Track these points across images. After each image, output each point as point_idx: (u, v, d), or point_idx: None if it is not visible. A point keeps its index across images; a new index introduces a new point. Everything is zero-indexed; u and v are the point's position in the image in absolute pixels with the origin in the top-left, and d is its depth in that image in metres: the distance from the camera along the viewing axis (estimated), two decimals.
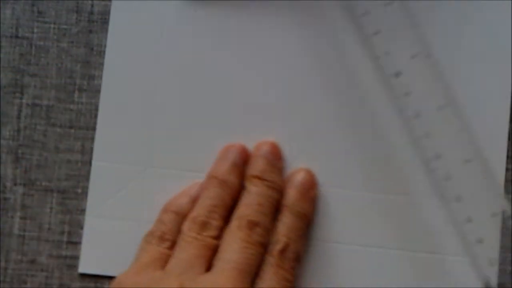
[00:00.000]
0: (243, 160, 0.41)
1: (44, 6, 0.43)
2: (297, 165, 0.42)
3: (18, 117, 0.43)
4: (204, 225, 0.39)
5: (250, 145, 0.42)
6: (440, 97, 0.41)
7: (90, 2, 0.43)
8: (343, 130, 0.42)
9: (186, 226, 0.40)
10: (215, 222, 0.40)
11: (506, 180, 0.42)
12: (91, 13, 0.43)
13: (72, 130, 0.43)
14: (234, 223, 0.39)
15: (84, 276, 0.42)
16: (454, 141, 0.41)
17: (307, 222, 0.41)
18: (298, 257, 0.40)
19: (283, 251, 0.39)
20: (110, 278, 0.42)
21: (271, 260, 0.39)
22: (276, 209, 0.40)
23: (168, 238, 0.40)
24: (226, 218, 0.40)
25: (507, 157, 0.42)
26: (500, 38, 0.42)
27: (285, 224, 0.40)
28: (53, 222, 0.43)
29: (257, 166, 0.41)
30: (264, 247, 0.39)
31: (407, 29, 0.41)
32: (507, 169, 0.42)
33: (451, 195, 0.40)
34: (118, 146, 0.43)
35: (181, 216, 0.41)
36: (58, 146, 0.43)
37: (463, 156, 0.40)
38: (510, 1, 0.42)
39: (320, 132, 0.42)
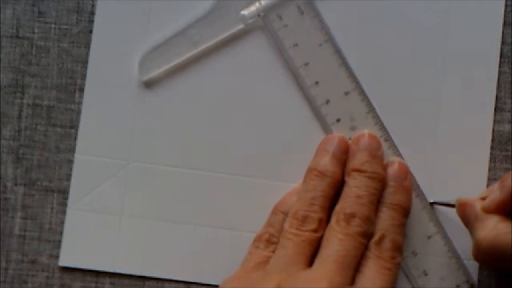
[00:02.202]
0: (343, 150, 0.41)
1: (45, 6, 0.43)
2: None
3: (19, 117, 0.43)
4: (304, 219, 0.40)
5: (231, 140, 0.43)
6: None
7: (90, 2, 0.43)
8: None
9: (287, 223, 0.40)
10: (315, 215, 0.40)
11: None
12: (92, 13, 0.43)
13: (73, 130, 0.43)
14: (333, 219, 0.39)
15: (85, 275, 0.42)
16: None
17: (404, 213, 0.41)
18: (397, 247, 0.40)
19: (378, 242, 0.39)
20: (110, 276, 0.42)
21: (369, 254, 0.39)
22: (376, 198, 0.40)
23: (275, 241, 0.41)
24: (328, 209, 0.40)
25: (507, 157, 0.43)
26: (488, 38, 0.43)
27: (381, 218, 0.40)
28: (54, 222, 0.43)
29: (357, 159, 0.41)
30: (365, 237, 0.39)
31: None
32: (506, 169, 0.43)
33: None
34: (101, 140, 0.43)
35: None
36: (58, 146, 0.43)
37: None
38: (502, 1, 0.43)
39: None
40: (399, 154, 0.42)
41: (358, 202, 0.39)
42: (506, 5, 0.43)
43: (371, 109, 0.42)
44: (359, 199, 0.40)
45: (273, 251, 0.40)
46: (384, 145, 0.42)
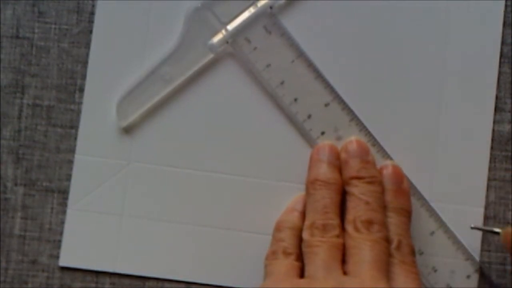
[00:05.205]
0: (335, 156, 0.41)
1: (45, 6, 0.43)
2: None
3: (19, 118, 0.43)
4: (324, 228, 0.39)
5: (231, 142, 0.43)
6: None
7: (90, 2, 0.43)
8: None
9: (306, 234, 0.40)
10: (333, 221, 0.40)
11: (505, 181, 0.43)
12: (92, 13, 0.43)
13: (73, 131, 0.43)
14: (349, 228, 0.39)
15: (85, 275, 0.42)
16: None
17: (409, 216, 0.41)
18: (413, 251, 0.40)
19: (398, 247, 0.39)
20: (110, 276, 0.42)
21: (393, 260, 0.39)
22: (383, 201, 0.40)
23: (291, 252, 0.40)
24: (340, 215, 0.40)
25: (507, 157, 0.43)
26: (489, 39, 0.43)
27: (391, 223, 0.40)
28: (54, 222, 0.43)
29: (351, 167, 0.41)
30: (388, 241, 0.39)
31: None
32: (505, 169, 0.43)
33: None
34: (101, 140, 0.43)
35: (296, 230, 0.41)
36: (59, 147, 0.43)
37: None
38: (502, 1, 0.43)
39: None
40: (388, 157, 0.42)
41: (369, 208, 0.39)
42: (506, 5, 0.43)
43: (353, 116, 0.42)
44: (369, 205, 0.39)
45: (295, 260, 0.40)
46: (373, 150, 0.42)
